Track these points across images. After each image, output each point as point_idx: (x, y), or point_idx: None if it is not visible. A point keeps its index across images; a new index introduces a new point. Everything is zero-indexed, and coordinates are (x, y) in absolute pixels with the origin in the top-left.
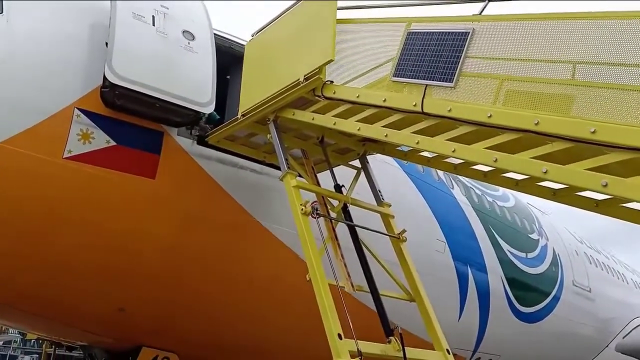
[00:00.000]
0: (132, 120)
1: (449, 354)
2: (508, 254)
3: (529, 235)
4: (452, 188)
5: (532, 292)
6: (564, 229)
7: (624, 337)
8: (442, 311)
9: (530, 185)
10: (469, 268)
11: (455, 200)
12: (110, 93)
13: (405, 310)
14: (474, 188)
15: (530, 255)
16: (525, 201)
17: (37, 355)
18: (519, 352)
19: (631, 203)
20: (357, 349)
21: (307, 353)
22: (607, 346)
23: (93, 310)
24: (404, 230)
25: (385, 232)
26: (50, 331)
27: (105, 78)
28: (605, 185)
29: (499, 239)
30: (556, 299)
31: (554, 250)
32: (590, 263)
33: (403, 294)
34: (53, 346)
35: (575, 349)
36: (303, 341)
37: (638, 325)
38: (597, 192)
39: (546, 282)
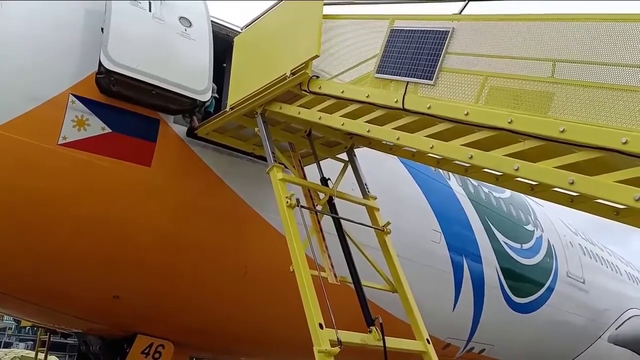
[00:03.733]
0: (128, 107)
1: (429, 343)
2: (503, 245)
3: (524, 226)
4: (449, 179)
5: (527, 283)
6: (559, 220)
7: (616, 329)
8: (437, 301)
9: (509, 181)
10: (464, 259)
11: (452, 191)
12: (106, 79)
13: (393, 297)
14: (470, 179)
15: (525, 246)
16: None
17: (32, 342)
18: (512, 342)
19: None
20: (337, 338)
21: (301, 341)
22: (600, 337)
23: (87, 297)
24: (389, 223)
25: (370, 224)
26: (44, 319)
27: (100, 64)
28: (572, 183)
29: (494, 230)
30: (550, 290)
31: (548, 241)
32: (585, 255)
33: (386, 285)
34: (48, 333)
35: (568, 340)
36: (297, 329)
37: (631, 317)
38: (565, 189)
39: (540, 273)
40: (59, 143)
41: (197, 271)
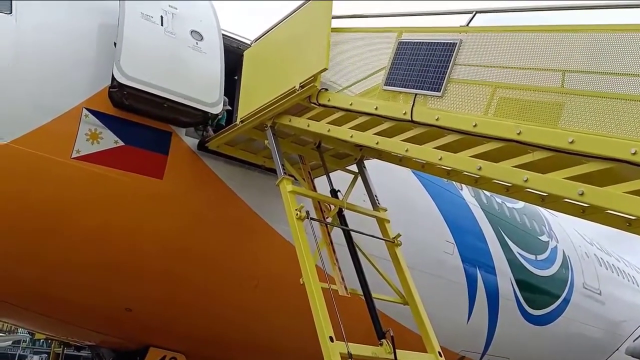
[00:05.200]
0: (141, 120)
1: (441, 356)
2: (517, 256)
3: (539, 237)
4: (461, 189)
5: (542, 295)
6: (574, 230)
7: (634, 340)
8: (450, 313)
9: (519, 192)
10: (477, 270)
11: (464, 201)
12: (119, 93)
13: (404, 308)
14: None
15: (540, 257)
16: None
17: (46, 355)
18: (528, 354)
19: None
20: (348, 351)
21: (311, 352)
22: (617, 349)
23: (100, 310)
24: (399, 235)
25: (381, 236)
26: (57, 331)
27: (113, 78)
28: (582, 194)
29: (508, 240)
30: (566, 301)
31: (564, 252)
32: (601, 265)
33: (397, 297)
34: (62, 346)
35: (584, 352)
36: (308, 340)
37: None
38: (574, 200)
39: (556, 284)
40: (72, 157)
41: (208, 282)
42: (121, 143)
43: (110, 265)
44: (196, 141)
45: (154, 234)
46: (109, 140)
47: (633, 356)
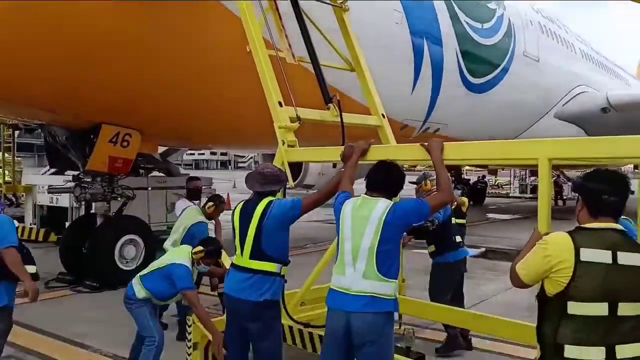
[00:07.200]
0: None
1: (384, 117)
2: (465, 25)
3: (488, 4)
4: None
5: (484, 64)
6: None
7: (563, 105)
8: (395, 84)
9: None
10: (424, 40)
11: None
12: None
13: (352, 81)
14: None
15: (486, 25)
16: None
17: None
18: (465, 120)
19: None
20: (297, 115)
21: (263, 122)
22: (546, 113)
23: (47, 86)
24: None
25: (328, 0)
26: (5, 110)
27: None
28: None
29: (456, 8)
30: (505, 70)
31: (509, 20)
32: (543, 33)
33: (344, 64)
34: (11, 129)
35: (517, 117)
36: (258, 111)
37: (578, 94)
38: None
39: (498, 53)
40: None
41: (152, 61)
42: None
43: (54, 44)
44: None
45: (94, 16)
46: None
47: (561, 119)
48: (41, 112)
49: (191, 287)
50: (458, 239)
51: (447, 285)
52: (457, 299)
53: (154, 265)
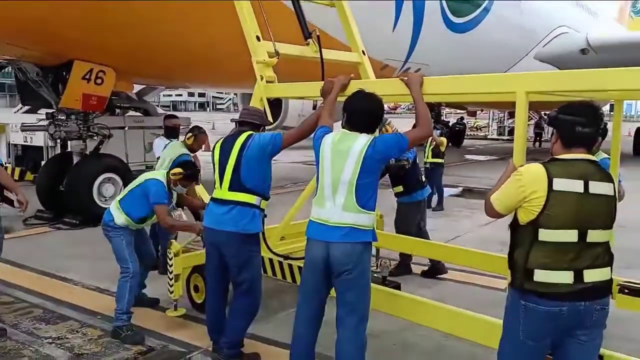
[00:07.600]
0: None
1: (364, 54)
2: None
3: None
4: None
5: (466, 3)
6: None
7: (544, 46)
8: (376, 22)
9: None
10: None
11: None
12: None
13: (332, 20)
14: None
15: None
16: None
17: None
18: (446, 61)
19: None
20: (275, 50)
21: (241, 59)
22: (527, 54)
23: (15, 18)
24: None
25: None
26: None
27: None
28: None
29: None
30: (486, 10)
31: None
32: None
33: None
34: None
35: (498, 58)
36: (232, 49)
37: (558, 35)
38: None
39: None
40: None
41: None
42: None
43: None
44: None
45: None
46: None
47: (541, 61)
48: (7, 46)
49: (163, 202)
50: (423, 178)
51: (414, 222)
52: (422, 235)
53: (131, 185)
